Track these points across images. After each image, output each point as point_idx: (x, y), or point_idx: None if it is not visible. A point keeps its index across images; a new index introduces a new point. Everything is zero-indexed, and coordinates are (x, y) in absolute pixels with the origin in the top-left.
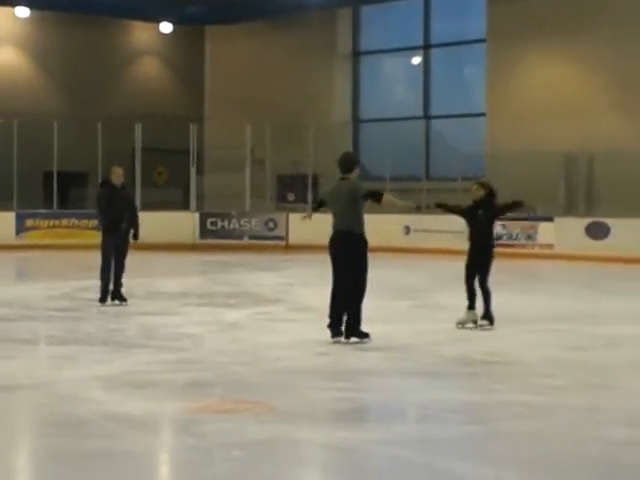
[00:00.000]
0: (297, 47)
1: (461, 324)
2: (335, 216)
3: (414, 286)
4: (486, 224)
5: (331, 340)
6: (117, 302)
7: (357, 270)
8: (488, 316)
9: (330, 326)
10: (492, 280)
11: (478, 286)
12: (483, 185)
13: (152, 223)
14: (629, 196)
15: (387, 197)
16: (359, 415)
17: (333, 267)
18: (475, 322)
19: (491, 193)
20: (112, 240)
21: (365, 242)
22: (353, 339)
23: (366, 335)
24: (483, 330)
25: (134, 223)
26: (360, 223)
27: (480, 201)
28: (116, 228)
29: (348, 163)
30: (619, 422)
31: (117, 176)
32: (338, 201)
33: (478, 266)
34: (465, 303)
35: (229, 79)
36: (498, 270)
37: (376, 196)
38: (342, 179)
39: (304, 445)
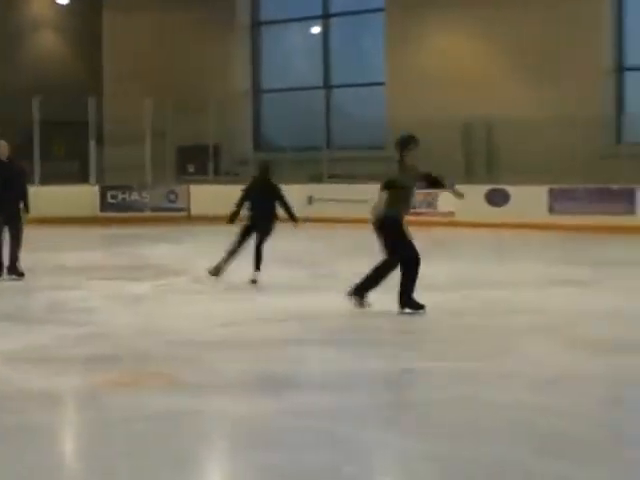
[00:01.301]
0: (196, 18)
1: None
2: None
3: (316, 256)
4: None
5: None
6: (14, 277)
7: None
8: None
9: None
10: None
11: None
12: None
13: (52, 197)
14: (527, 163)
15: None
16: (265, 386)
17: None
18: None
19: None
20: (0, 215)
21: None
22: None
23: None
24: (386, 290)
25: (24, 196)
26: None
27: None
28: (2, 203)
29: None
30: (517, 386)
31: (2, 150)
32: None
33: None
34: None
35: (128, 51)
36: None
37: None
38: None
39: (209, 417)
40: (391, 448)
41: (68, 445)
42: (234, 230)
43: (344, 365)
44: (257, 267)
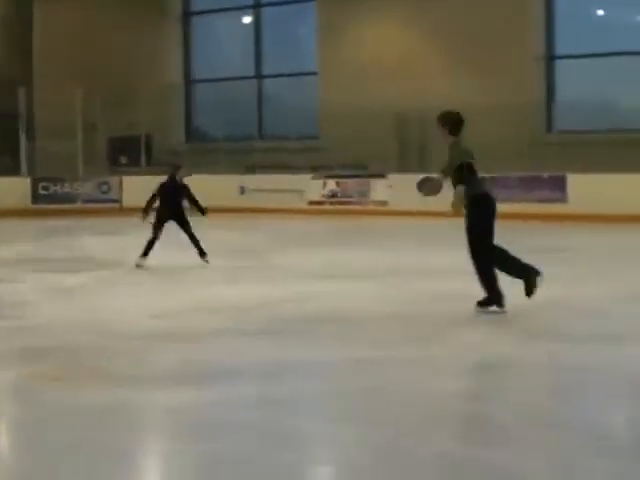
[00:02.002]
0: (127, 7)
1: None
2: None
3: (249, 246)
4: None
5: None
6: None
7: None
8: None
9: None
10: (329, 237)
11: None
12: None
13: None
14: None
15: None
16: (198, 377)
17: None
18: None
19: None
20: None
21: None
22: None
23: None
24: (321, 280)
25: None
26: None
27: None
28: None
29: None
30: (452, 374)
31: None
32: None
33: None
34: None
35: (59, 41)
36: (333, 228)
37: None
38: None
39: (144, 409)
40: (327, 436)
41: (2, 440)
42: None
43: (278, 355)
44: (201, 253)
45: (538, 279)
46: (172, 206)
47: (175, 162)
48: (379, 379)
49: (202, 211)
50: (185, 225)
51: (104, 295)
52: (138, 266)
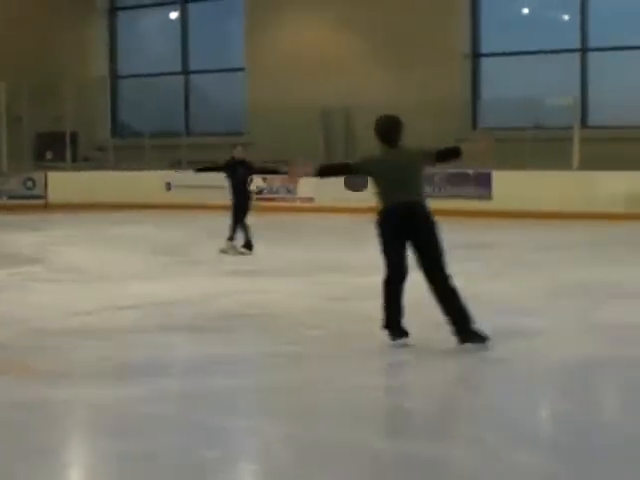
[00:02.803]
0: (54, 1)
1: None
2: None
3: (175, 242)
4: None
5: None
6: None
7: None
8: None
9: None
10: (256, 233)
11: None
12: None
13: None
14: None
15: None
16: (119, 373)
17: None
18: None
19: None
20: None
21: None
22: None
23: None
24: (244, 276)
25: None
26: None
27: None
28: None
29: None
30: (376, 368)
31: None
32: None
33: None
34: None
35: None
36: (260, 225)
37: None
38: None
39: (65, 406)
40: (248, 432)
41: None
42: (92, 218)
43: (198, 351)
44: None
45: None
46: (244, 190)
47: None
48: (299, 374)
49: (277, 172)
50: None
51: (24, 292)
52: (223, 251)
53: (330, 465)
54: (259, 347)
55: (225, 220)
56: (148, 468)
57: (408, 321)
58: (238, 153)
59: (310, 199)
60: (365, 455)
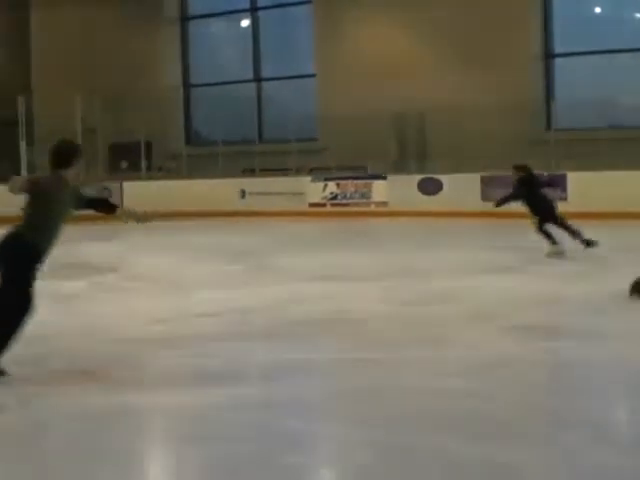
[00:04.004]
0: (125, 13)
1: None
2: None
3: (250, 249)
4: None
5: (169, 307)
6: None
7: None
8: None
9: None
10: (331, 239)
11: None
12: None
13: None
14: (459, 151)
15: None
16: (198, 380)
17: None
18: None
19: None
20: None
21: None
22: None
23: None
24: (320, 282)
25: None
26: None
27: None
28: None
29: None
30: (452, 373)
31: None
32: None
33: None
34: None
35: (56, 48)
36: (334, 230)
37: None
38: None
39: (144, 414)
40: (329, 437)
41: (4, 447)
42: (168, 226)
43: (279, 357)
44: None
45: None
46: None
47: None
48: (380, 379)
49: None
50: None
51: (103, 301)
52: (550, 255)
53: (411, 469)
54: (336, 352)
55: (301, 226)
56: (229, 475)
57: (481, 326)
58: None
59: (384, 203)
60: (445, 459)
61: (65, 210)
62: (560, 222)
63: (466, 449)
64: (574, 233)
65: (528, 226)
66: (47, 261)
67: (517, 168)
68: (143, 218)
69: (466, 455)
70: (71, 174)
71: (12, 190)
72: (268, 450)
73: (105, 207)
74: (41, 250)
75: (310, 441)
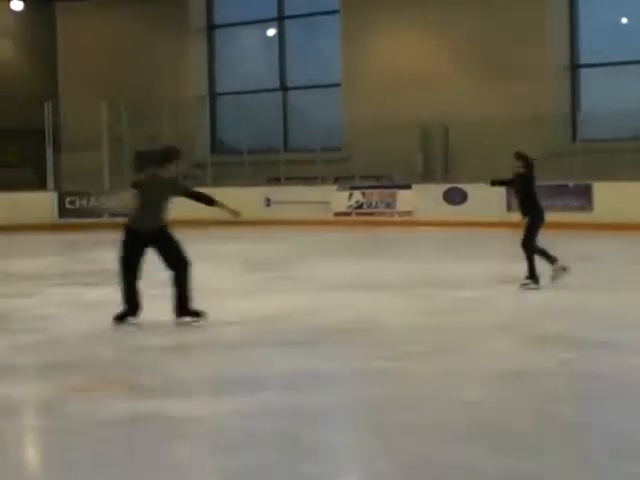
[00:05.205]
0: (150, 21)
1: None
2: None
3: (274, 258)
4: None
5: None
6: None
7: None
8: (533, 275)
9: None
10: (356, 248)
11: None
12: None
13: (7, 204)
14: (483, 161)
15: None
16: (219, 388)
17: None
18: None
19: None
20: None
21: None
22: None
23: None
24: (343, 291)
25: None
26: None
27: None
28: None
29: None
30: (477, 383)
31: None
32: None
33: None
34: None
35: (83, 56)
36: (359, 239)
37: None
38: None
39: (171, 421)
40: (348, 447)
41: (29, 454)
42: (192, 234)
43: (301, 366)
44: None
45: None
46: None
47: None
48: (397, 389)
49: None
50: None
51: None
52: (556, 276)
53: (427, 479)
54: (359, 362)
55: (326, 235)
56: None
57: (499, 336)
58: None
59: (409, 213)
60: (462, 469)
61: (160, 199)
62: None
63: (482, 459)
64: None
65: (554, 237)
66: (69, 269)
67: (519, 156)
68: (234, 213)
69: (482, 465)
70: (167, 172)
71: (123, 207)
72: (286, 459)
73: (205, 199)
74: (140, 230)
75: (327, 450)
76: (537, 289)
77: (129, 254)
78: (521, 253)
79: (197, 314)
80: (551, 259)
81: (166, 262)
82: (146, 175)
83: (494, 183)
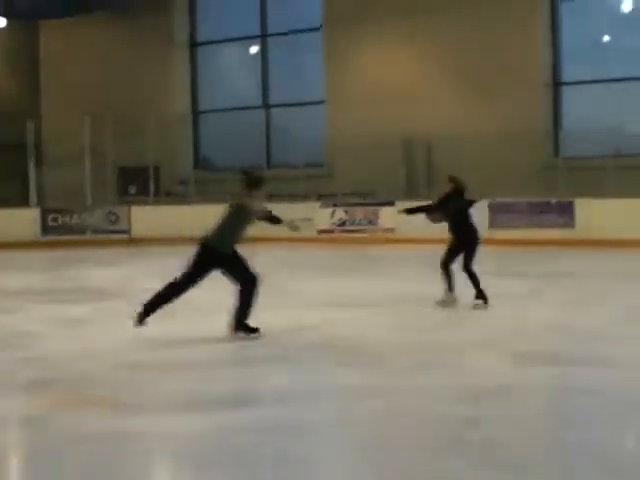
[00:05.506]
0: (134, 38)
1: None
2: None
3: (260, 275)
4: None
5: (175, 333)
6: None
7: None
8: (482, 295)
9: None
10: (339, 265)
11: (463, 269)
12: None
13: None
14: (467, 178)
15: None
16: (206, 405)
17: None
18: (454, 301)
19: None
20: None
21: None
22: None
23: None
24: (328, 308)
25: None
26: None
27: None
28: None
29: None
30: (453, 399)
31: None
32: None
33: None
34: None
35: (66, 71)
36: (342, 256)
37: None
38: None
39: (153, 438)
40: (331, 462)
41: (9, 468)
42: (174, 251)
43: (286, 383)
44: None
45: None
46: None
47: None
48: (381, 405)
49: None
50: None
51: (108, 326)
52: (441, 304)
53: None
54: (343, 378)
55: (310, 252)
56: None
57: (483, 352)
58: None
59: (391, 230)
60: None
61: (239, 223)
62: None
63: (466, 475)
64: (476, 283)
65: (537, 254)
66: (51, 286)
67: (452, 179)
68: (296, 227)
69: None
70: (255, 197)
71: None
72: (266, 476)
73: (275, 220)
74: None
75: (313, 466)
76: (485, 308)
77: (198, 272)
78: (504, 271)
79: (253, 330)
80: (451, 287)
81: (234, 278)
82: (238, 198)
83: (410, 211)
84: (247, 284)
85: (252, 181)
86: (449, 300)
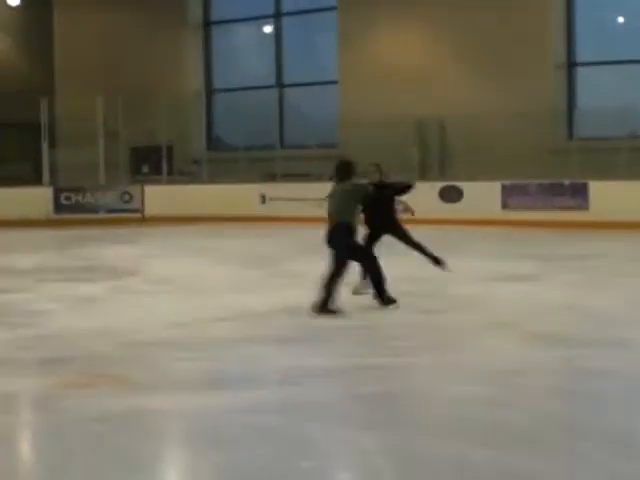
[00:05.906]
0: (148, 17)
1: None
2: None
3: (269, 255)
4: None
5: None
6: None
7: None
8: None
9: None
10: None
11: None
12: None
13: (3, 199)
14: (480, 159)
15: None
16: (215, 384)
17: None
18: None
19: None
20: None
21: None
22: None
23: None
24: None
25: None
26: None
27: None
28: None
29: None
30: (468, 380)
31: None
32: None
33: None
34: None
35: (79, 51)
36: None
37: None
38: None
39: (164, 416)
40: (346, 443)
41: (23, 447)
42: (187, 230)
43: (295, 362)
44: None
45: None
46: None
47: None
48: (395, 385)
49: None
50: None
51: (122, 304)
52: (356, 292)
53: (425, 475)
54: (354, 358)
55: (321, 231)
56: (244, 478)
57: (497, 334)
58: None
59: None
60: (460, 466)
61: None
62: (411, 242)
63: (480, 456)
64: (423, 250)
65: (551, 236)
66: (65, 265)
67: (377, 166)
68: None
69: (480, 462)
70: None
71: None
72: (283, 454)
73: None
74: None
75: (325, 446)
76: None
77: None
78: (518, 253)
79: (389, 301)
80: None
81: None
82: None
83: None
84: (367, 260)
85: (346, 170)
86: (363, 287)
